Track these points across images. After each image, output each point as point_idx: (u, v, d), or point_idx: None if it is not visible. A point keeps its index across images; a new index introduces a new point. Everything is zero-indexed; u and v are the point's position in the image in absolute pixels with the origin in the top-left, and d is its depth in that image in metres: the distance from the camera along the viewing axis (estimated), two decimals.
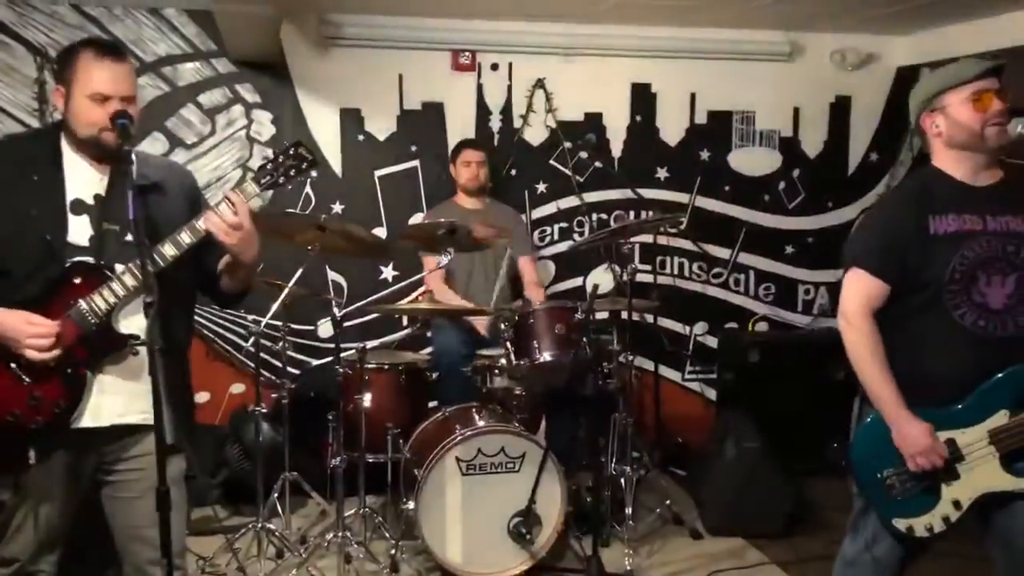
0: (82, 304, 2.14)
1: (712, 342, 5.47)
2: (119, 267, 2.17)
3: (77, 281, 2.15)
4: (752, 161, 5.45)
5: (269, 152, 4.83)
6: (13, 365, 2.12)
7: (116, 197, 2.21)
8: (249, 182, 2.28)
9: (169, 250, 2.18)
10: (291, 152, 2.32)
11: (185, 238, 2.19)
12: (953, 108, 2.30)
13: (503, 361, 3.81)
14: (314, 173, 2.42)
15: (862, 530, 2.44)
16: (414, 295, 4.95)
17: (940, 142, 2.35)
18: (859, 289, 2.36)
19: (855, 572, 2.47)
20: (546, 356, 3.69)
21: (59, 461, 2.22)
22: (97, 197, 2.22)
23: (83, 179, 2.22)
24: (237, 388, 4.88)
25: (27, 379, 2.13)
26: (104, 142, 2.17)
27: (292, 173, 2.32)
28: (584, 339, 3.55)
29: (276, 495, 3.92)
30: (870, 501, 2.39)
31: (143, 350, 2.16)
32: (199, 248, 2.24)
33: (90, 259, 2.18)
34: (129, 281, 2.15)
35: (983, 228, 2.29)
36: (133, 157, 2.24)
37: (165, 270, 2.17)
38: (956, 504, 2.30)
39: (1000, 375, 2.27)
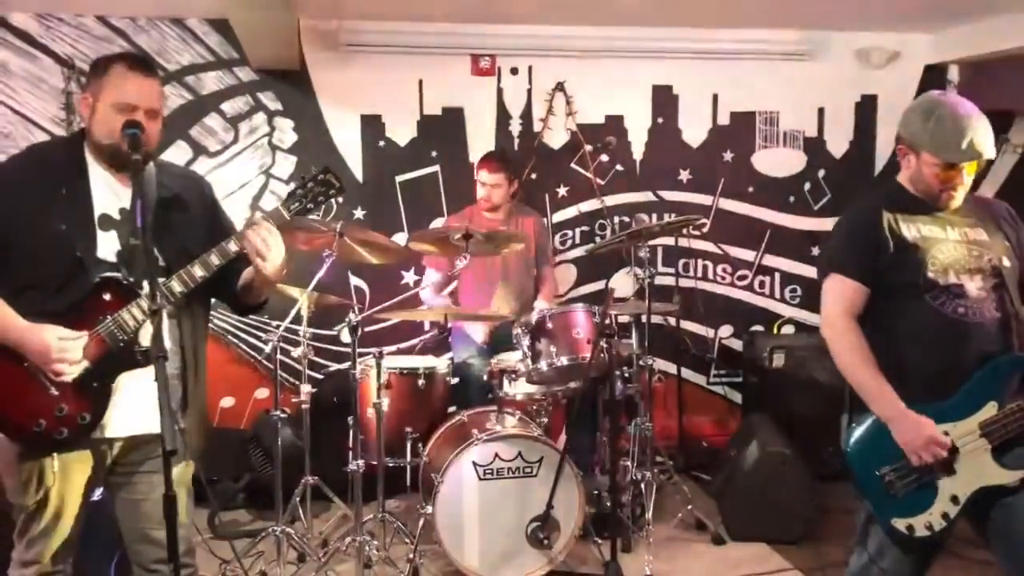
0: (111, 321, 2.18)
1: (737, 345, 5.42)
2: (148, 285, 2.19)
3: (107, 297, 2.19)
4: (776, 162, 5.40)
5: (292, 159, 4.88)
6: (42, 377, 2.16)
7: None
8: (279, 209, 2.32)
9: (199, 271, 2.22)
10: (319, 179, 2.38)
11: (215, 260, 2.24)
12: (924, 163, 2.38)
13: (521, 366, 3.80)
14: (340, 199, 2.50)
15: (867, 542, 2.43)
16: None
17: (906, 172, 2.46)
18: (839, 293, 2.42)
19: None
20: (564, 360, 3.68)
21: (79, 470, 2.26)
22: (123, 211, 2.26)
23: (109, 193, 2.26)
24: (261, 393, 4.93)
25: (55, 391, 2.17)
26: (123, 151, 2.19)
27: (320, 199, 2.38)
28: (602, 342, 3.53)
29: (297, 499, 3.95)
30: (869, 503, 2.38)
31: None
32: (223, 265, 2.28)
33: (119, 275, 2.21)
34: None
35: (945, 237, 2.40)
36: (151, 166, 2.28)
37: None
38: (954, 499, 2.30)
39: (986, 368, 2.31)
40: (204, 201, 2.44)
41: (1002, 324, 2.35)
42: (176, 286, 2.21)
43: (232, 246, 2.24)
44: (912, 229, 2.39)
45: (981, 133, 2.33)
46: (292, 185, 2.39)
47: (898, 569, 2.39)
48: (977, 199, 2.53)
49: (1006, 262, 2.41)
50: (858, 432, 2.40)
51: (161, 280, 2.18)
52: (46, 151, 2.48)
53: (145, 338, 2.22)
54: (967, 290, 2.33)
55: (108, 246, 2.22)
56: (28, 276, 2.18)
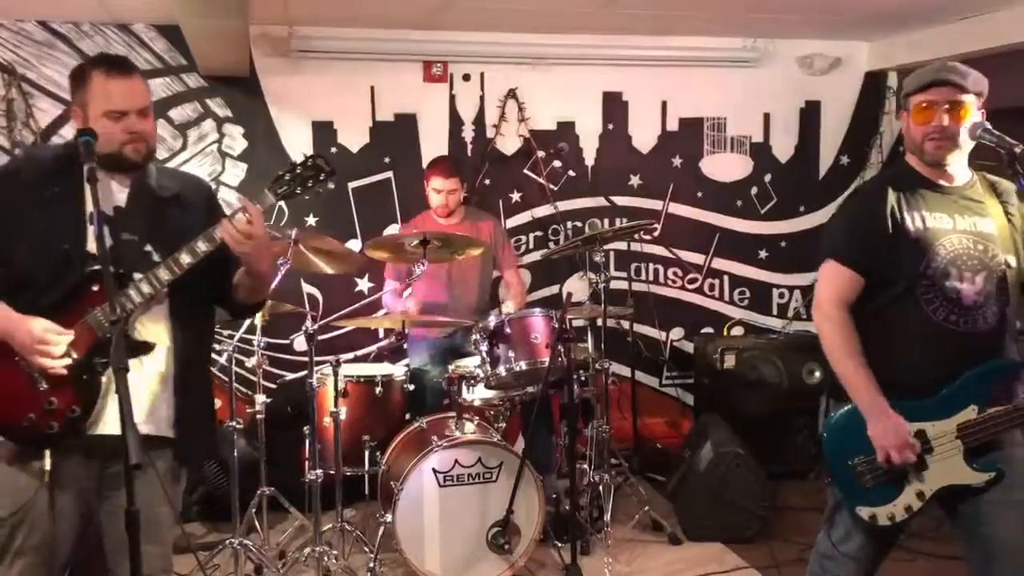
0: (98, 311, 2.17)
1: (688, 347, 5.50)
2: (137, 275, 2.20)
3: (95, 288, 2.19)
4: (724, 167, 5.50)
5: (242, 166, 4.83)
6: (32, 371, 2.15)
7: (136, 208, 2.27)
8: (265, 192, 2.30)
9: (186, 258, 2.21)
10: (309, 163, 2.34)
11: (202, 246, 2.22)
12: (907, 114, 2.37)
13: (480, 371, 3.80)
14: (331, 184, 2.42)
15: (836, 525, 2.46)
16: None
17: (905, 139, 2.42)
18: (833, 280, 2.38)
19: (831, 565, 2.49)
20: (523, 365, 3.69)
21: (72, 470, 2.22)
22: (117, 209, 2.26)
23: (103, 191, 2.22)
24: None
25: (45, 384, 2.15)
26: (126, 155, 2.23)
27: (310, 184, 2.33)
28: (560, 347, 3.56)
29: (253, 510, 3.89)
30: (838, 489, 2.41)
31: (153, 354, 2.22)
32: (220, 259, 2.27)
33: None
34: (146, 288, 2.19)
35: (952, 227, 2.32)
36: (152, 168, 2.31)
37: (188, 281, 2.23)
38: (920, 495, 2.33)
39: (972, 371, 2.29)
40: (204, 201, 2.43)
41: (997, 333, 2.32)
42: (163, 274, 2.19)
43: (218, 232, 2.21)
44: (916, 218, 2.31)
45: (961, 68, 2.28)
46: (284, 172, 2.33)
47: (861, 554, 2.43)
48: (993, 181, 2.42)
49: (1012, 261, 2.34)
50: (836, 419, 2.40)
51: (149, 273, 2.19)
52: (41, 153, 2.56)
53: (138, 330, 2.23)
54: (963, 295, 2.28)
55: None
56: (21, 273, 2.19)
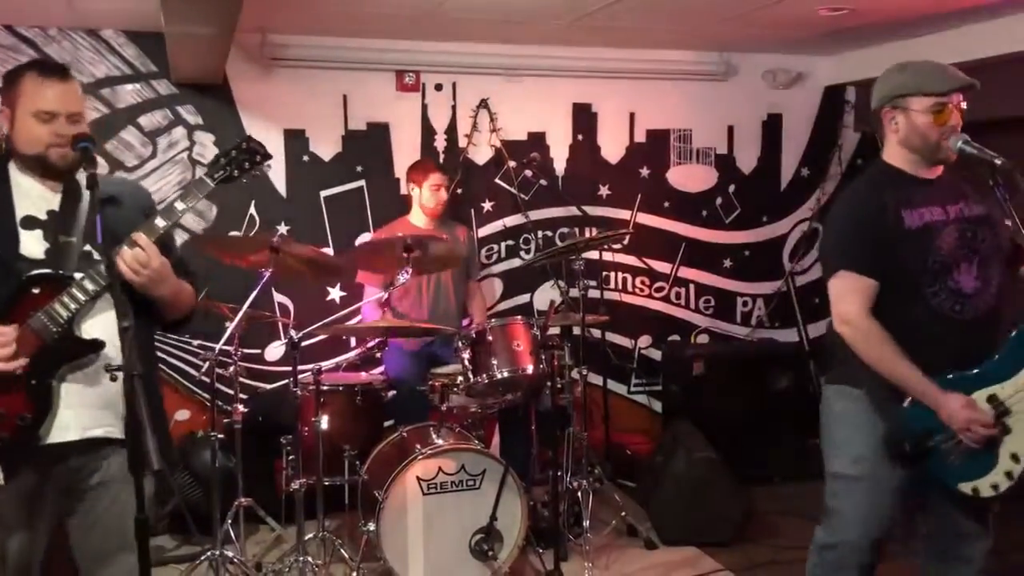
0: (41, 313, 2.11)
1: (656, 355, 5.57)
2: (78, 275, 2.14)
3: (36, 291, 2.13)
4: (690, 177, 5.60)
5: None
6: None
7: (71, 211, 2.21)
8: (203, 178, 2.27)
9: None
10: (243, 146, 2.33)
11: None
12: (914, 114, 2.38)
13: (461, 379, 3.81)
14: (268, 165, 2.41)
15: (833, 516, 2.53)
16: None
17: (895, 138, 2.45)
18: (853, 291, 2.40)
19: (834, 554, 2.55)
20: (505, 373, 3.71)
21: (28, 481, 2.15)
22: (51, 213, 2.21)
23: (34, 197, 2.21)
24: (182, 415, 4.78)
25: None
26: (50, 160, 2.17)
27: (245, 166, 2.31)
28: (542, 355, 3.60)
29: (229, 522, 3.85)
30: (934, 473, 2.40)
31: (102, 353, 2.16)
32: None
33: (48, 270, 2.15)
34: (89, 286, 2.13)
35: (945, 218, 2.39)
36: (116, 179, 2.24)
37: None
38: (1015, 457, 2.31)
39: (1018, 333, 2.32)
40: (141, 205, 2.37)
41: (995, 312, 2.40)
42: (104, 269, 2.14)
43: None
44: (913, 216, 2.37)
45: (960, 72, 2.38)
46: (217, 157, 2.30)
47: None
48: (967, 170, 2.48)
49: (1001, 240, 2.41)
50: (906, 415, 2.38)
51: (91, 270, 2.14)
52: None
53: (83, 330, 2.16)
54: (964, 282, 2.36)
55: (33, 245, 2.17)
56: None
